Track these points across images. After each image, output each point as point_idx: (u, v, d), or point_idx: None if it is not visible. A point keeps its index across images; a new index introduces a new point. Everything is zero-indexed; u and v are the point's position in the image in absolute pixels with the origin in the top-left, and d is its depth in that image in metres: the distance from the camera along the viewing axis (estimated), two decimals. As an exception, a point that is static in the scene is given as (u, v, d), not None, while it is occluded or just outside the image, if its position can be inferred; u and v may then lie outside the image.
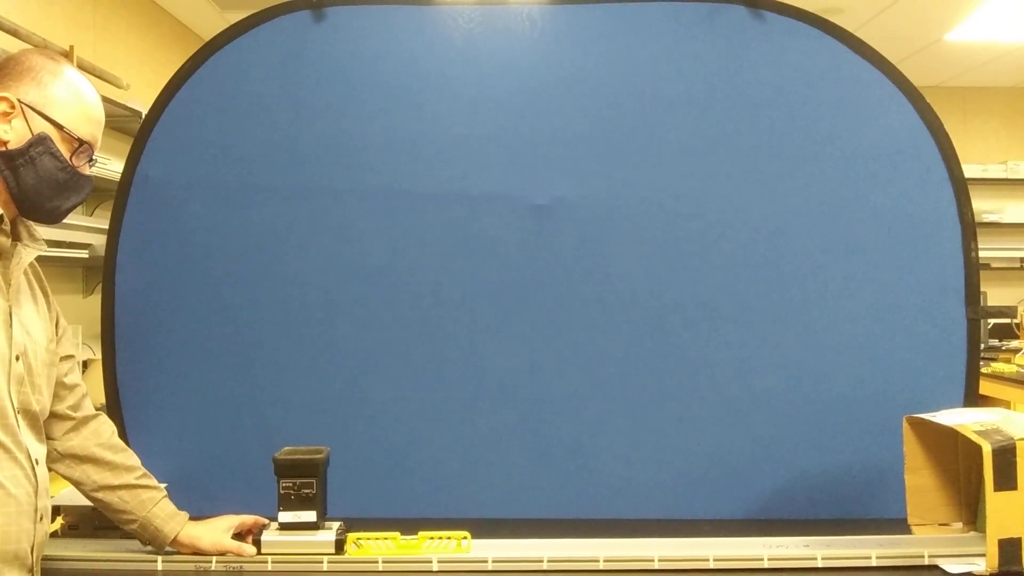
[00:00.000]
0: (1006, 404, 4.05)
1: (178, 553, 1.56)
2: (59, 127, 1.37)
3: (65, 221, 1.50)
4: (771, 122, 1.97)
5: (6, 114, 1.35)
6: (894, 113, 1.96)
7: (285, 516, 1.57)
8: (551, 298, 1.97)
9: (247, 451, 1.89)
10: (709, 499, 1.95)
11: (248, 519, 1.61)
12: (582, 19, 1.99)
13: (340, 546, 1.56)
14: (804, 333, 1.96)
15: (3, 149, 1.34)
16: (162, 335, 1.99)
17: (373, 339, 1.98)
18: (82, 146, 1.40)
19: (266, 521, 1.61)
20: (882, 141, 1.96)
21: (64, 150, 1.38)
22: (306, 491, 1.56)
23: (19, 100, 1.35)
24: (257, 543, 1.57)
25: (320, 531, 1.57)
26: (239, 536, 1.59)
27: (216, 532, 1.57)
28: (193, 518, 1.58)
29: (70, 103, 1.39)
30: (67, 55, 3.60)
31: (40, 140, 1.35)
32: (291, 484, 1.56)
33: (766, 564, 1.54)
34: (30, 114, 1.35)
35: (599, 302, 1.97)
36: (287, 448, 1.62)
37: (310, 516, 1.56)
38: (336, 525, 1.60)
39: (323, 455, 1.60)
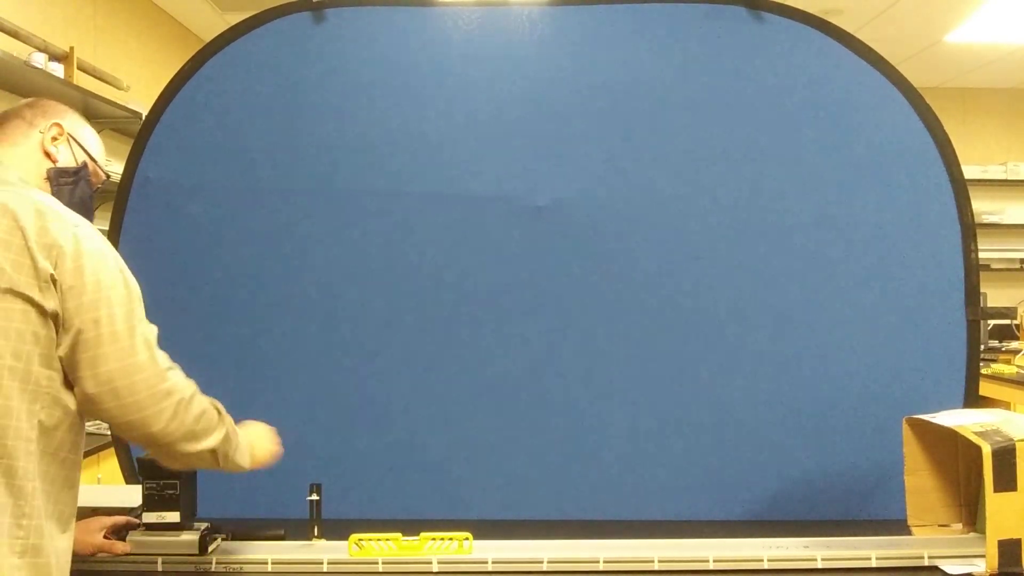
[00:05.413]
0: (1006, 405, 4.05)
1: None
2: (94, 160, 1.53)
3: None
4: (771, 123, 1.97)
5: (55, 138, 1.50)
6: (894, 114, 1.96)
7: (149, 516, 1.58)
8: (552, 299, 1.98)
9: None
10: (709, 500, 1.95)
11: (120, 520, 1.63)
12: (582, 20, 1.99)
13: (204, 547, 1.56)
14: (804, 334, 1.96)
15: (55, 165, 1.49)
16: (162, 336, 1.97)
17: (374, 340, 1.98)
18: (102, 182, 1.55)
19: (137, 522, 1.61)
20: (882, 142, 1.96)
21: (94, 181, 1.53)
22: (169, 492, 1.57)
23: (68, 131, 1.50)
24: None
25: (184, 532, 1.57)
26: (113, 537, 1.60)
27: (88, 533, 1.58)
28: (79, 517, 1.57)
29: (98, 145, 1.56)
30: (67, 57, 3.61)
31: (85, 166, 1.52)
32: (155, 485, 1.57)
33: (766, 565, 1.55)
34: (73, 143, 1.51)
35: (599, 304, 1.97)
36: None
37: (173, 517, 1.57)
38: (203, 526, 1.59)
39: None
